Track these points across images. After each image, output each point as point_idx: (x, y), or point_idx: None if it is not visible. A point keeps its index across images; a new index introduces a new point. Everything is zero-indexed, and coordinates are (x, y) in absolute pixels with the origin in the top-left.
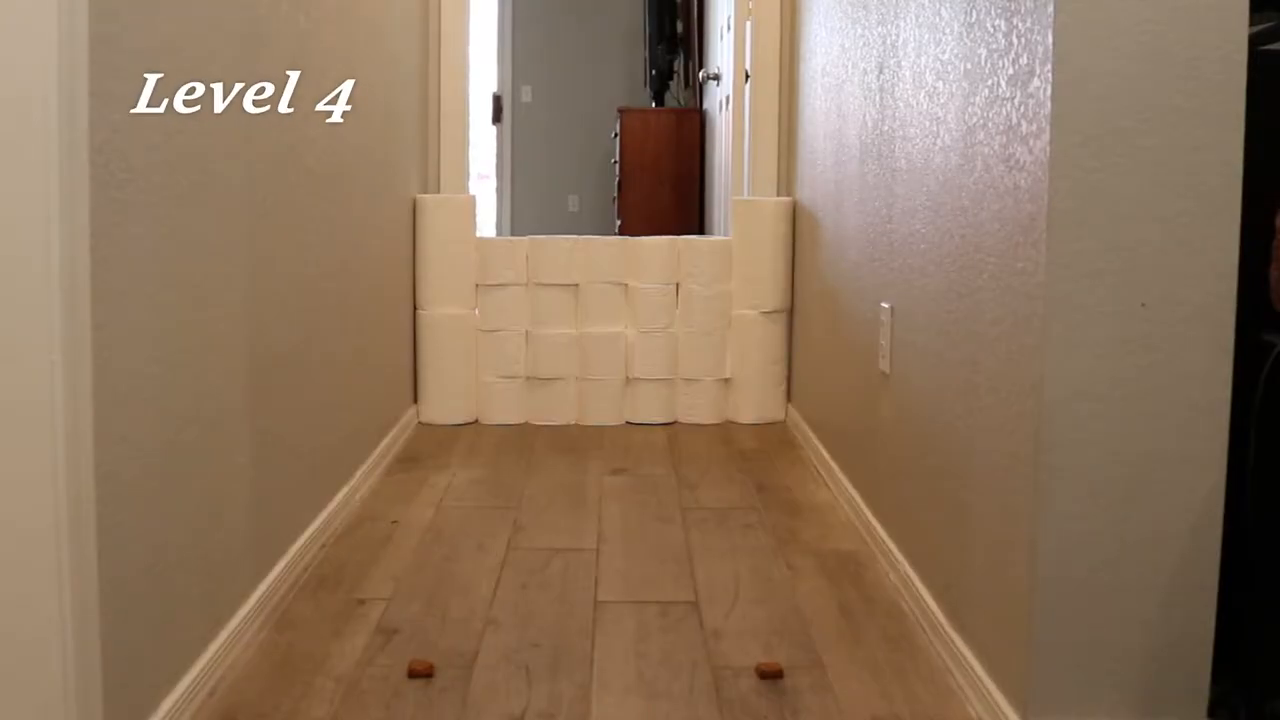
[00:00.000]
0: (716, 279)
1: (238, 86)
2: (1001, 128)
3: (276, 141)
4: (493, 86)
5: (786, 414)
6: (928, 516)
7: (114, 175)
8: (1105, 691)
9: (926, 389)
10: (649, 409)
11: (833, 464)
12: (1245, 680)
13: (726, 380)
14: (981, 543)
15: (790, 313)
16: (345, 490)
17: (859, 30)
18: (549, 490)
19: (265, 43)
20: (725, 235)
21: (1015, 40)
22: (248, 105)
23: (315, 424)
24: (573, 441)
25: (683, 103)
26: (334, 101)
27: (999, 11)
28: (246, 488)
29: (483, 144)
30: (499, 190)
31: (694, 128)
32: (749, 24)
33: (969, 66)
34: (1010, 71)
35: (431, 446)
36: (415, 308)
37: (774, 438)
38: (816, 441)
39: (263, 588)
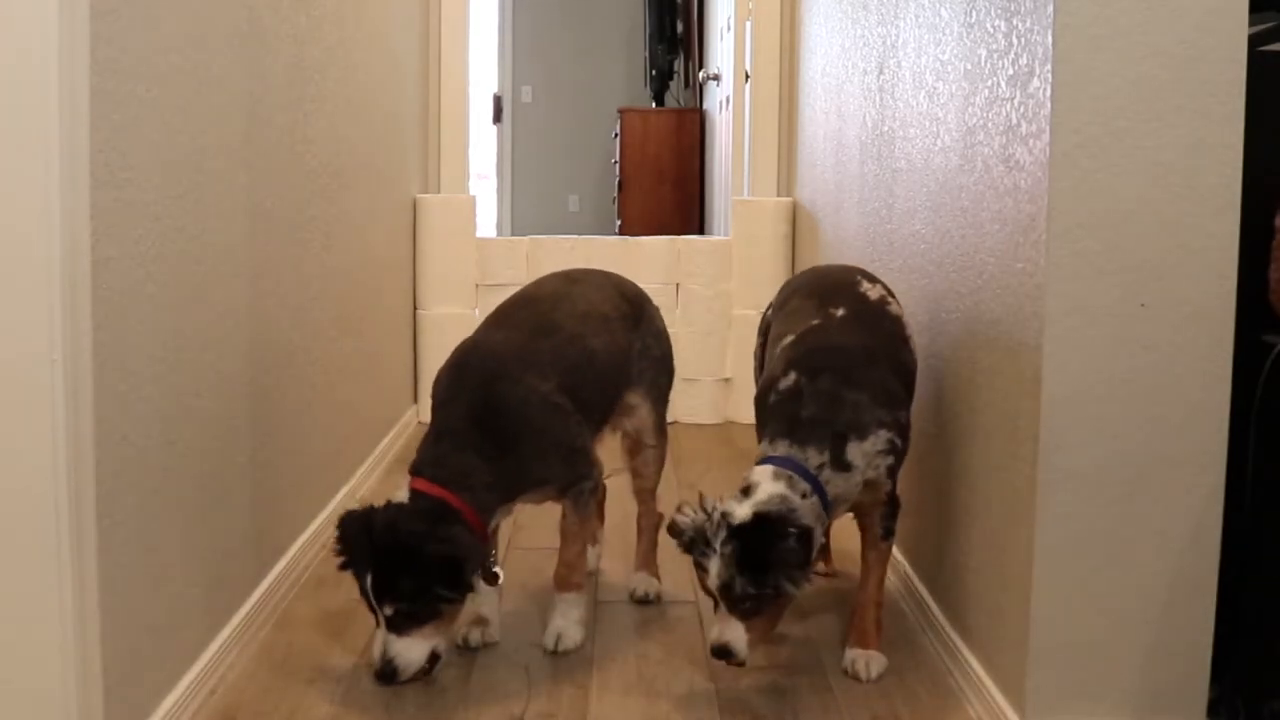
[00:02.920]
0: (716, 279)
1: (238, 86)
2: (1001, 128)
3: (276, 141)
4: (493, 86)
5: None
6: (927, 516)
7: (114, 175)
8: (1105, 691)
9: (927, 388)
10: None
11: None
12: (1245, 680)
13: (727, 380)
14: (981, 543)
15: None
16: (345, 490)
17: (859, 30)
18: None
19: (265, 43)
20: (725, 235)
21: (1015, 41)
22: (248, 105)
23: (315, 424)
24: None
25: (683, 103)
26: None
27: (999, 12)
28: (247, 487)
29: (483, 144)
30: (499, 190)
31: (694, 128)
32: (749, 24)
33: (969, 67)
34: (1010, 72)
35: None
36: (415, 308)
37: None
38: None
39: (263, 587)
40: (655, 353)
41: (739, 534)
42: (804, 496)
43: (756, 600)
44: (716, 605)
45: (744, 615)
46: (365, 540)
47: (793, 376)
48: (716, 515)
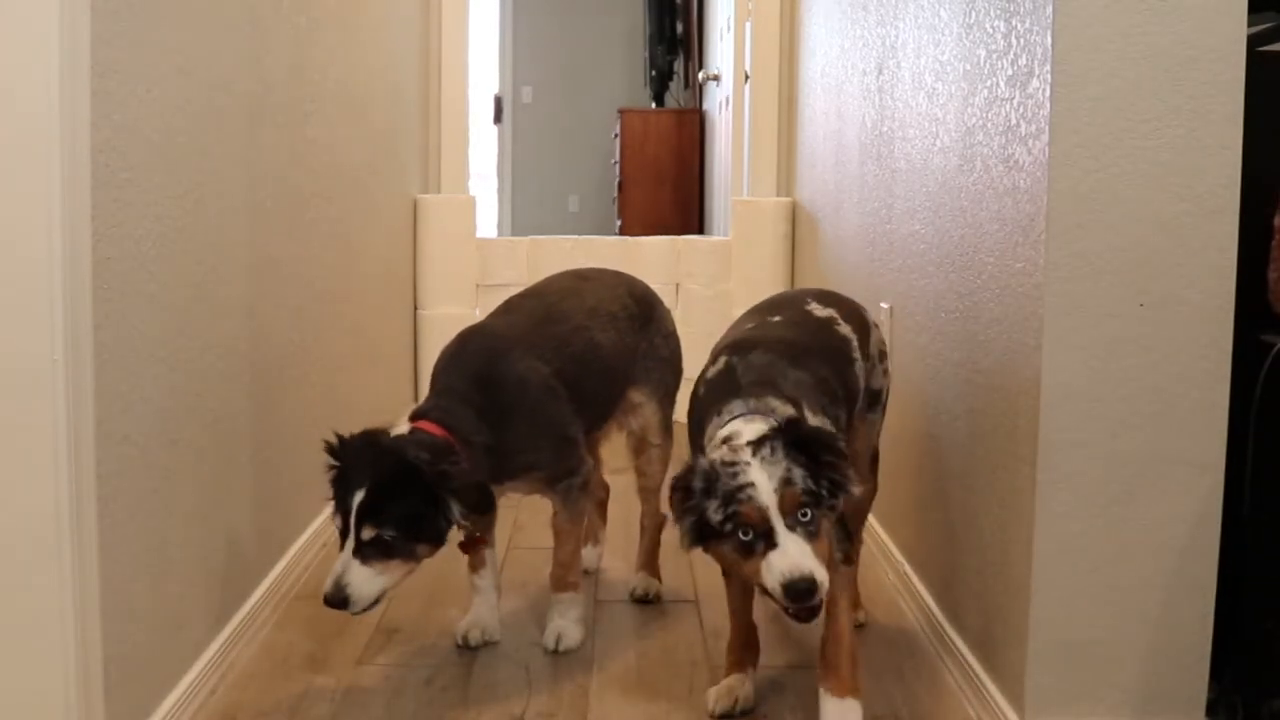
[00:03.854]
0: (716, 279)
1: (238, 86)
2: (1000, 128)
3: (277, 141)
4: (493, 87)
5: None
6: (928, 516)
7: (114, 175)
8: (1104, 691)
9: (926, 389)
10: None
11: None
12: (1244, 680)
13: None
14: (981, 543)
15: None
16: None
17: (858, 31)
18: None
19: (265, 43)
20: (725, 235)
21: (1014, 41)
22: (248, 105)
23: (315, 423)
24: None
25: (683, 103)
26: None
27: (998, 13)
28: (247, 487)
29: (483, 144)
30: (499, 190)
31: (694, 128)
32: (749, 25)
33: (968, 67)
34: (1009, 72)
35: None
36: (415, 308)
37: None
38: None
39: (264, 587)
40: (663, 353)
41: (774, 435)
42: None
43: (815, 501)
44: (766, 538)
45: (805, 529)
46: (368, 456)
47: (722, 360)
48: (723, 450)
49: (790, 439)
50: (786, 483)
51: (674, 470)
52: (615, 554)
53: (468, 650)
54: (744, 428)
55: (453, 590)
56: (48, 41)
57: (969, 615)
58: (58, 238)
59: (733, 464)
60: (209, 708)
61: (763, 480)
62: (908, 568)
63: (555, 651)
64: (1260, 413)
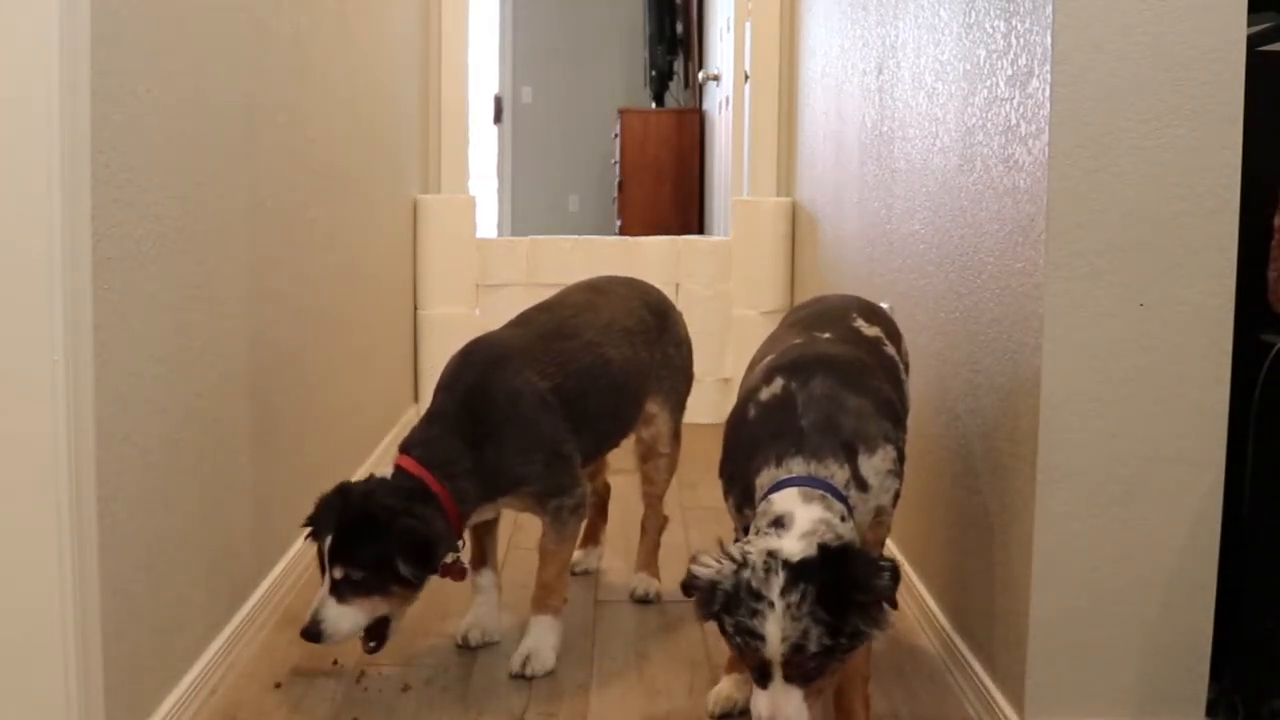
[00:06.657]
0: (716, 279)
1: (238, 86)
2: (1000, 128)
3: (277, 141)
4: (493, 87)
5: None
6: (928, 517)
7: (114, 175)
8: (1104, 691)
9: (926, 389)
10: None
11: None
12: (1244, 680)
13: (727, 380)
14: (981, 543)
15: None
16: None
17: (858, 31)
18: None
19: (265, 43)
20: (725, 235)
21: (1014, 41)
22: (248, 105)
23: (316, 423)
24: None
25: (682, 103)
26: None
27: (998, 12)
28: (247, 487)
29: (483, 144)
30: (499, 190)
31: (694, 128)
32: (749, 24)
33: (968, 67)
34: (1009, 72)
35: None
36: (415, 308)
37: None
38: None
39: (264, 587)
40: (676, 361)
41: (805, 573)
42: (842, 519)
43: (828, 656)
44: (762, 676)
45: (806, 679)
46: (337, 503)
47: (779, 383)
48: (758, 558)
49: (829, 576)
50: (797, 649)
51: (680, 475)
52: (615, 554)
53: (468, 650)
54: (798, 513)
55: (453, 591)
56: (48, 41)
57: (969, 615)
58: (58, 238)
59: (757, 597)
60: (209, 708)
61: (775, 638)
62: (908, 567)
63: (522, 675)
64: (1260, 413)
